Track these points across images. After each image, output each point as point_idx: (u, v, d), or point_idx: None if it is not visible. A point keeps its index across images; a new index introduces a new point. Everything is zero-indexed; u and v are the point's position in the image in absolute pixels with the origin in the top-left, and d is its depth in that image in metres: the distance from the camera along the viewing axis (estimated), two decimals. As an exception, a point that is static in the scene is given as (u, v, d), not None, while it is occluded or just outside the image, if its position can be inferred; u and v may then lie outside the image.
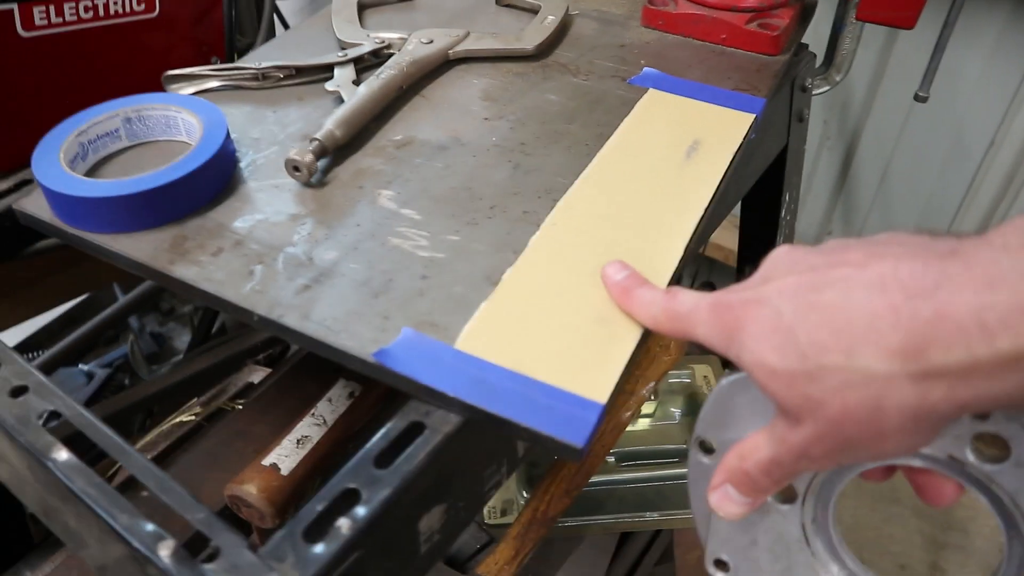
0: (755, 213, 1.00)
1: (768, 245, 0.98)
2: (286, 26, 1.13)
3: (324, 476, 0.73)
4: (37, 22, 0.84)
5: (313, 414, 0.73)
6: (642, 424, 0.91)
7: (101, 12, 0.89)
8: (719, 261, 1.69)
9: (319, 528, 0.43)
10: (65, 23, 0.86)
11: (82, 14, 0.87)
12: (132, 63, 0.95)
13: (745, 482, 0.43)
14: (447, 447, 0.47)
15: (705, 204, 0.61)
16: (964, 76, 1.36)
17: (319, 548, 0.42)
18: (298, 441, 0.70)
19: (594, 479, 0.84)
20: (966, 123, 1.41)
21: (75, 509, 0.47)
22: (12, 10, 0.81)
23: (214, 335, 1.26)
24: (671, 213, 0.60)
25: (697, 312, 0.44)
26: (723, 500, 0.45)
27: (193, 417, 0.97)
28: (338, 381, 0.76)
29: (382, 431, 0.48)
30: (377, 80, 0.69)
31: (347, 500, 0.45)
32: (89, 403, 1.46)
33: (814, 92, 0.93)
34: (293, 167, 0.61)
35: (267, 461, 0.69)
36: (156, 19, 0.94)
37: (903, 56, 1.41)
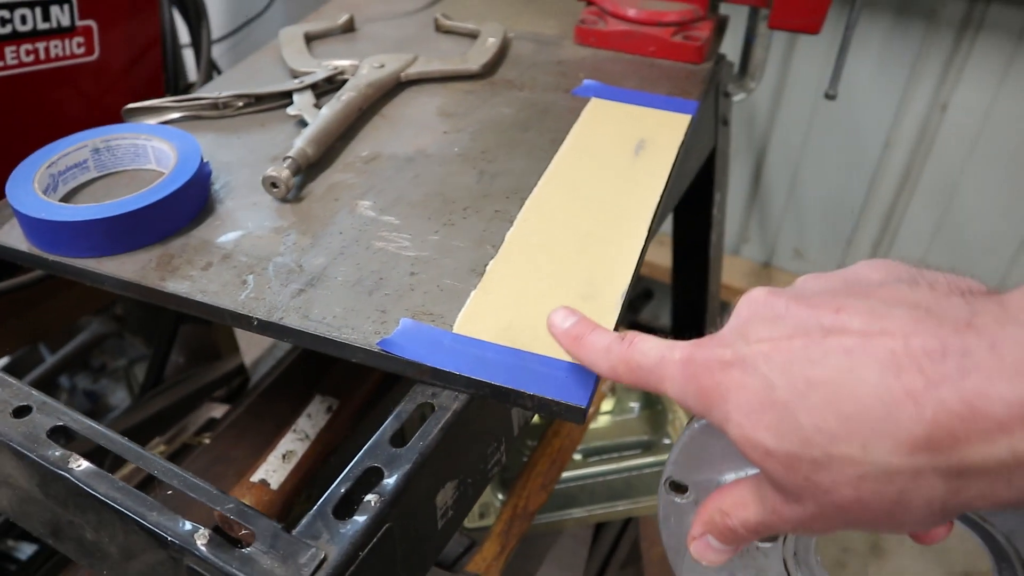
0: (689, 214, 1.06)
1: (703, 243, 1.04)
2: (219, 71, 1.15)
3: (311, 489, 0.74)
4: (-21, 67, 0.84)
5: (295, 429, 0.74)
6: (603, 420, 0.95)
7: (42, 55, 0.89)
8: (647, 277, 1.76)
9: (346, 506, 0.45)
10: (7, 67, 0.86)
11: (23, 58, 0.87)
12: (73, 104, 0.95)
13: (728, 537, 0.41)
14: (456, 424, 0.50)
15: (660, 191, 0.66)
16: (857, 83, 1.48)
17: (352, 521, 0.44)
18: (283, 456, 0.72)
19: (565, 475, 0.87)
20: (862, 126, 1.53)
21: (96, 518, 0.48)
22: (-46, 56, 0.81)
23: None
24: (631, 201, 0.65)
25: (664, 367, 0.39)
26: (705, 550, 0.42)
27: (159, 455, 0.96)
28: (314, 397, 0.78)
29: (394, 414, 0.50)
30: (339, 102, 0.73)
31: (368, 480, 0.47)
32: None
33: (733, 99, 1.00)
34: (271, 184, 0.64)
35: (255, 478, 0.71)
36: (96, 62, 0.95)
37: (802, 66, 1.52)
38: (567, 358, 0.51)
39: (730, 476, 0.43)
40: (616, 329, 0.53)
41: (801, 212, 1.68)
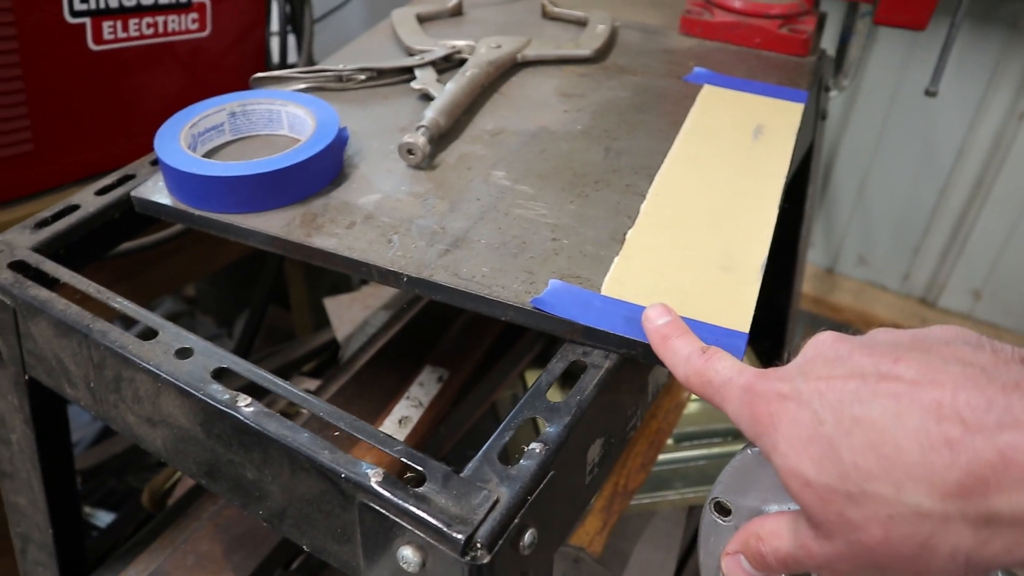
0: (782, 208, 1.07)
1: (794, 237, 1.05)
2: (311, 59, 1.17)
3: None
4: (106, 36, 0.86)
5: (408, 396, 0.76)
6: (694, 407, 0.96)
7: (160, 29, 0.92)
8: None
9: (509, 454, 0.47)
10: (129, 38, 0.89)
11: (144, 30, 0.90)
12: (180, 78, 0.98)
13: (759, 562, 0.42)
14: (607, 381, 0.51)
15: (784, 175, 0.67)
16: (935, 91, 1.47)
17: (520, 467, 0.45)
18: (400, 421, 0.73)
19: (660, 458, 0.88)
20: (936, 133, 1.52)
21: (261, 456, 0.49)
22: (84, 24, 0.84)
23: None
24: (756, 182, 0.66)
25: (729, 389, 0.41)
26: (735, 568, 0.43)
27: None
28: (425, 367, 0.80)
29: (547, 370, 0.52)
30: (463, 77, 0.74)
31: (527, 432, 0.48)
32: (101, 439, 1.45)
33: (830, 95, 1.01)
34: (407, 150, 0.65)
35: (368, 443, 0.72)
36: (207, 38, 0.98)
37: (878, 69, 1.52)
38: (717, 322, 0.52)
39: (773, 507, 0.44)
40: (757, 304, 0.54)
41: (868, 218, 1.68)
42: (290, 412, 0.98)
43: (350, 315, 1.05)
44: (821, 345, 0.39)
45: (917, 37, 1.44)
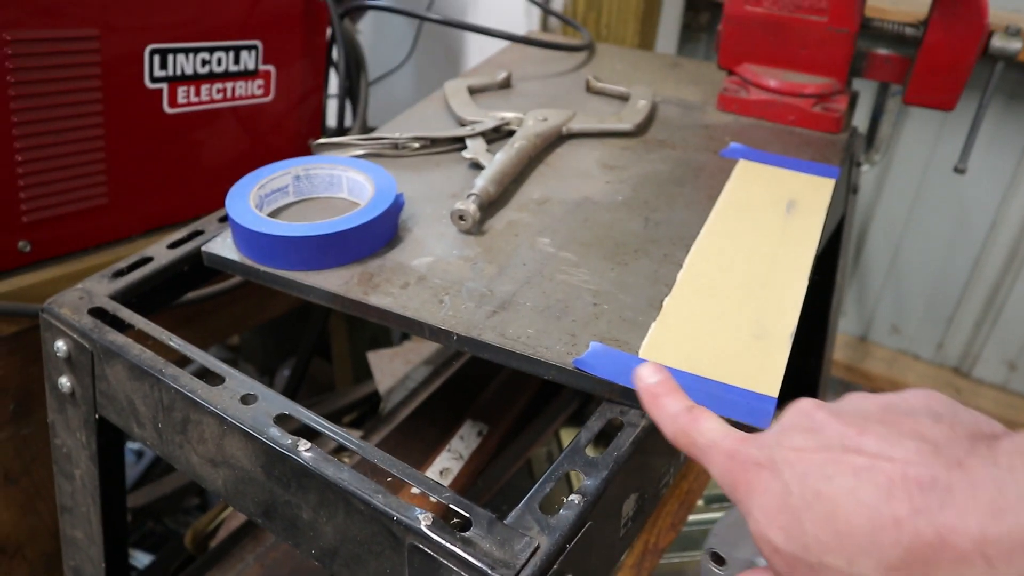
0: (814, 279, 1.10)
1: (826, 308, 1.08)
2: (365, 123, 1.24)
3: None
4: (179, 100, 0.93)
5: (449, 449, 0.79)
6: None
7: (229, 94, 0.98)
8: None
9: (548, 505, 0.50)
10: (200, 102, 0.96)
11: (214, 95, 0.97)
12: (244, 140, 1.05)
13: None
14: (643, 440, 0.54)
15: (815, 247, 0.71)
16: (967, 166, 1.50)
17: (560, 516, 0.48)
18: (441, 472, 0.77)
19: (690, 518, 0.90)
20: (969, 205, 1.55)
21: (318, 498, 0.53)
22: (162, 89, 0.91)
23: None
24: (789, 254, 0.69)
25: (713, 452, 0.43)
26: None
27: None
28: (466, 421, 0.83)
29: (585, 426, 0.55)
30: (512, 148, 0.79)
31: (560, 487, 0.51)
32: (142, 482, 1.49)
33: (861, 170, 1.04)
34: (459, 216, 0.70)
35: (416, 490, 0.75)
36: (270, 103, 1.04)
37: (910, 143, 1.55)
38: (747, 386, 0.55)
39: (762, 561, 0.46)
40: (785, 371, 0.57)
41: (901, 288, 1.70)
42: (337, 458, 1.02)
43: (392, 369, 1.09)
44: (799, 413, 0.41)
45: (948, 114, 1.48)
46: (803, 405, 0.41)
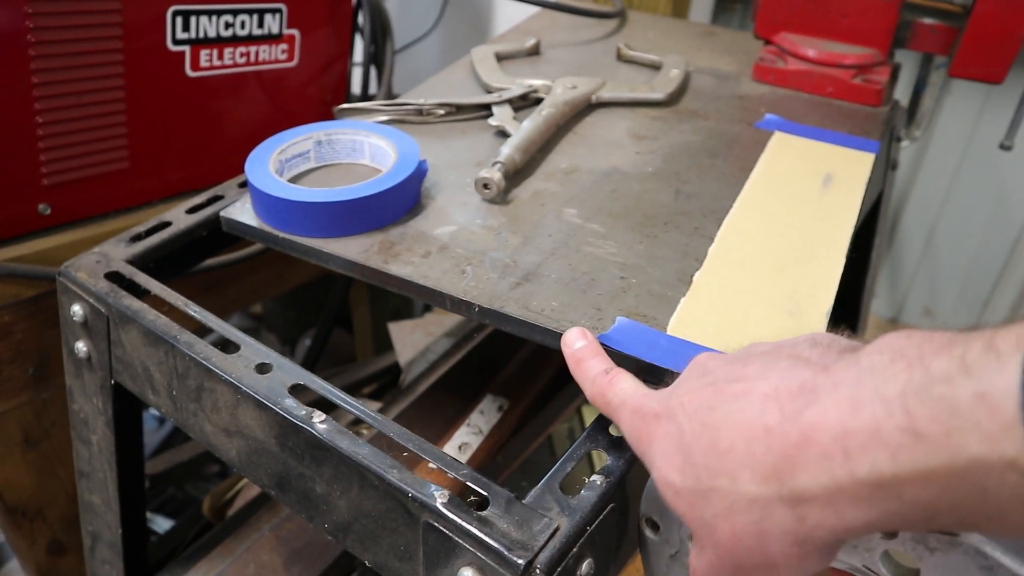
0: (849, 257, 1.07)
1: (859, 286, 1.05)
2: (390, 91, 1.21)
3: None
4: (202, 64, 0.91)
5: (469, 424, 0.78)
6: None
7: (252, 58, 0.97)
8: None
9: (569, 485, 0.48)
10: (223, 66, 0.94)
11: (237, 59, 0.95)
12: (266, 105, 1.03)
13: None
14: (669, 420, 0.52)
15: (852, 224, 0.68)
16: (1009, 145, 1.46)
17: (581, 497, 0.46)
18: (460, 447, 0.75)
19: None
20: (1008, 186, 1.50)
21: (332, 471, 0.52)
22: (184, 52, 0.89)
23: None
24: (825, 229, 0.67)
25: (622, 411, 0.44)
26: None
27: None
28: (486, 396, 0.82)
29: (610, 405, 0.53)
30: (539, 116, 0.77)
31: (580, 467, 0.50)
32: (163, 448, 1.49)
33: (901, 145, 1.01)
34: (483, 185, 0.68)
35: (433, 466, 0.74)
36: (294, 68, 1.02)
37: (949, 121, 1.51)
38: (780, 367, 0.53)
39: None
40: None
41: (935, 270, 1.65)
42: (353, 431, 1.01)
43: (413, 341, 1.08)
44: (695, 365, 0.42)
45: (992, 89, 1.43)
46: (699, 358, 0.43)
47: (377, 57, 1.13)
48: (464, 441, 0.75)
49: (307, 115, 1.07)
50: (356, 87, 1.26)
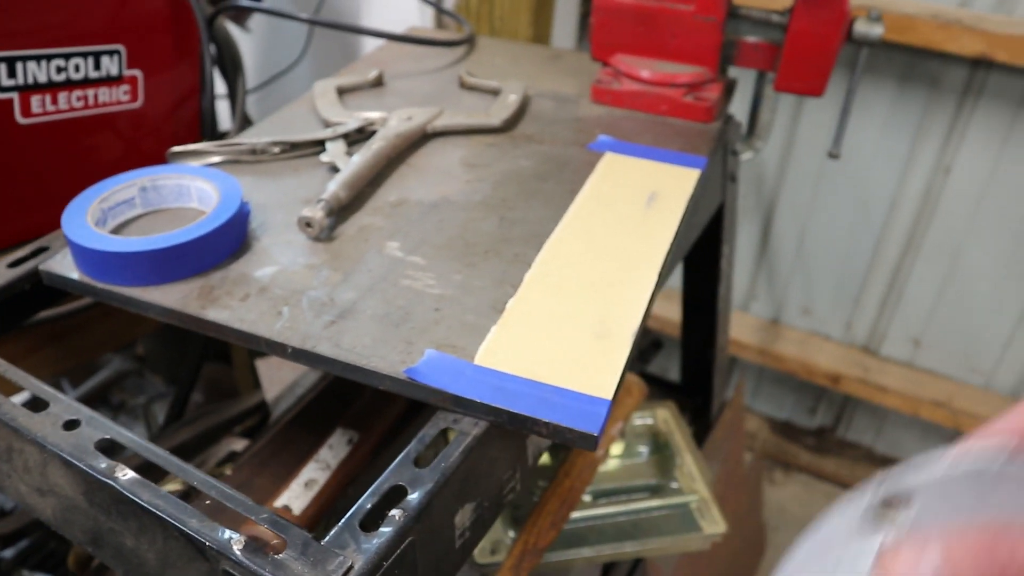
0: (697, 267, 1.11)
1: (711, 296, 1.08)
2: (250, 121, 1.21)
3: (331, 518, 0.77)
4: (34, 110, 0.89)
5: (317, 459, 0.78)
6: (612, 464, 0.98)
7: (91, 101, 0.95)
8: (657, 330, 1.80)
9: (372, 521, 0.49)
10: (59, 111, 0.92)
11: (74, 103, 0.93)
12: (114, 148, 1.01)
13: None
14: (476, 449, 0.53)
15: (670, 240, 0.70)
16: (863, 145, 1.53)
17: (378, 533, 0.47)
18: (306, 484, 0.75)
19: (575, 515, 0.90)
20: (868, 187, 1.57)
21: (137, 524, 0.51)
22: (12, 99, 0.87)
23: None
24: (642, 248, 0.69)
25: None
26: None
27: (179, 487, 0.99)
28: (336, 430, 0.82)
29: (417, 437, 0.54)
30: (369, 150, 0.77)
31: (393, 497, 0.50)
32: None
33: (741, 157, 1.05)
34: (306, 223, 0.68)
35: (278, 503, 0.74)
36: (139, 109, 1.01)
37: (809, 128, 1.57)
38: (582, 389, 0.54)
39: None
40: (624, 372, 0.57)
41: (809, 270, 1.72)
42: (216, 473, 1.00)
43: (280, 376, 1.07)
44: None
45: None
46: None
47: (231, 91, 1.13)
48: (311, 478, 0.75)
49: (160, 155, 1.05)
50: (227, 122, 1.25)
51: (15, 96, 0.87)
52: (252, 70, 1.73)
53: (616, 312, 0.62)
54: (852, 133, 1.52)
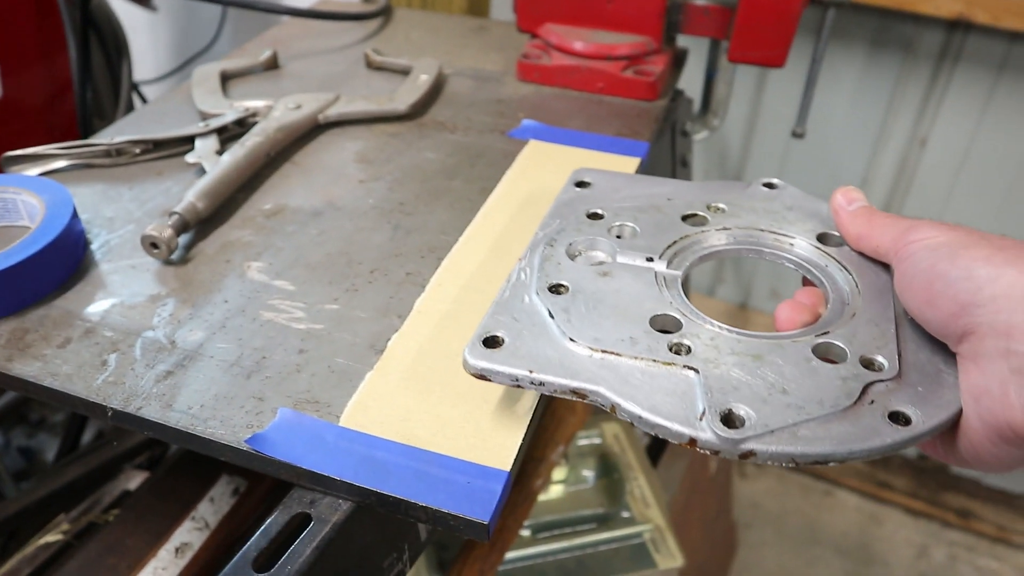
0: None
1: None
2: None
3: (208, 588, 0.65)
4: None
5: (194, 517, 0.66)
6: (555, 491, 0.87)
7: (-64, 97, 0.82)
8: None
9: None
10: None
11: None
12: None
13: None
14: (338, 539, 0.42)
15: (598, 251, 0.58)
16: (832, 118, 1.42)
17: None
18: (177, 550, 0.63)
19: (510, 555, 0.78)
20: (839, 162, 1.46)
21: None
22: None
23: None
24: (563, 262, 0.57)
25: None
26: None
27: (61, 536, 0.87)
28: (221, 478, 0.70)
29: (261, 528, 0.42)
30: (242, 148, 0.65)
31: None
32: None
33: (695, 137, 0.93)
34: (151, 244, 0.56)
35: (142, 576, 0.62)
36: (2, 102, 0.88)
37: (774, 101, 1.45)
38: (473, 458, 0.43)
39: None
40: (529, 433, 0.45)
41: (777, 251, 1.61)
42: (103, 520, 0.87)
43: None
44: None
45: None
46: None
47: (113, 80, 0.99)
48: (184, 541, 0.64)
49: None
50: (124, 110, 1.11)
51: None
52: (168, 52, 1.58)
53: (526, 345, 0.50)
54: (820, 106, 1.40)
